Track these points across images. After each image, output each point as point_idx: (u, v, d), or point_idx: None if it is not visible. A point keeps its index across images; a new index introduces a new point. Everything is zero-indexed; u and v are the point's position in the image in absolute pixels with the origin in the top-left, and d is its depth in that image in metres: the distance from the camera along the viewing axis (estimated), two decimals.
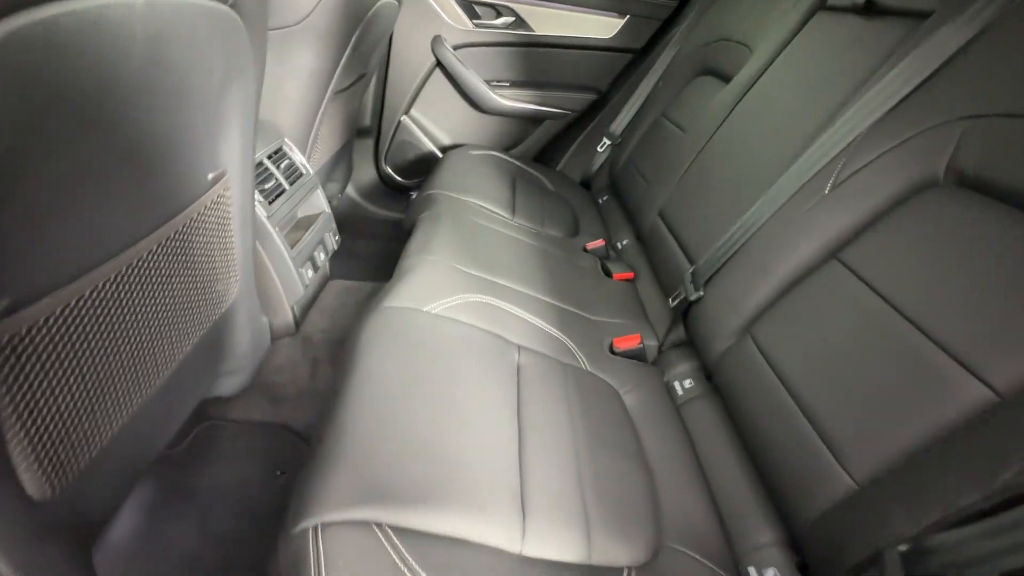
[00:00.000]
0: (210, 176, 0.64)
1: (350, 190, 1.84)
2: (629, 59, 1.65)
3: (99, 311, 0.49)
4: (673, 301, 0.93)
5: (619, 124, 1.61)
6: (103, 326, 0.50)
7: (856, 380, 0.61)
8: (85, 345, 0.48)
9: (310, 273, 1.02)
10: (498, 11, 1.57)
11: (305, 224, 1.08)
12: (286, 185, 1.00)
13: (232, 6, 0.53)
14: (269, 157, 0.99)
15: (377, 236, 1.85)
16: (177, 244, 0.61)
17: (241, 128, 0.66)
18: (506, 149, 1.79)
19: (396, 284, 0.86)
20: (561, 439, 0.69)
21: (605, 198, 1.62)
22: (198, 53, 0.52)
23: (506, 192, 1.39)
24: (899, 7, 0.77)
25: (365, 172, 1.84)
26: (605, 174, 1.67)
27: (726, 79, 1.21)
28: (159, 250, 0.57)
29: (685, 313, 0.92)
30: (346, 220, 1.81)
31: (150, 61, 0.44)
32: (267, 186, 0.94)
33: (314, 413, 1.05)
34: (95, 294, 0.48)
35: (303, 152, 1.16)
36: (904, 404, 0.55)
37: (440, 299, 0.86)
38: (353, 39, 1.12)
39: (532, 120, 1.75)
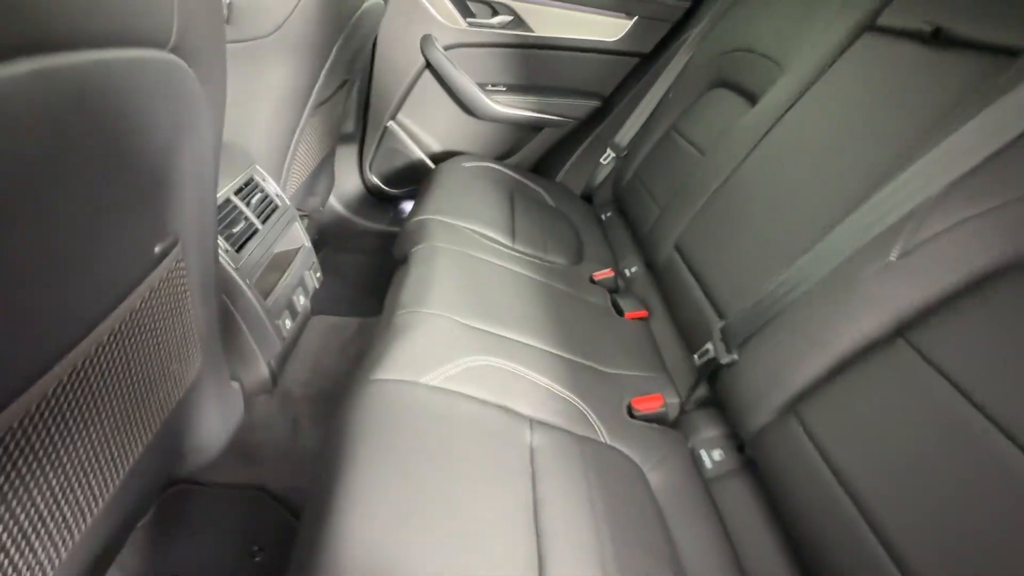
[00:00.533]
0: (157, 249, 0.51)
1: (332, 200, 1.70)
2: (635, 64, 1.53)
3: (33, 434, 0.38)
4: (699, 358, 0.84)
5: (625, 135, 1.49)
6: (45, 446, 0.39)
7: (924, 480, 0.52)
8: (22, 474, 0.38)
9: (288, 323, 0.90)
10: (494, 9, 1.43)
11: (282, 263, 0.95)
12: (258, 224, 0.87)
13: (173, 50, 0.40)
14: (238, 192, 0.85)
15: (362, 249, 1.72)
16: (123, 337, 0.49)
17: (197, 186, 0.53)
18: (501, 158, 1.66)
19: (388, 349, 0.75)
20: (586, 548, 0.59)
21: (609, 214, 1.51)
22: (134, 111, 0.39)
23: (505, 212, 1.27)
24: (979, 40, 0.66)
25: (349, 181, 1.70)
26: (609, 188, 1.55)
27: (748, 96, 1.10)
28: (100, 352, 0.45)
29: (712, 372, 0.83)
30: (328, 232, 1.68)
31: (67, 130, 0.32)
32: (235, 229, 0.81)
33: (294, 475, 0.94)
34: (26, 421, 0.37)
35: (278, 177, 1.03)
36: (979, 514, 0.47)
37: (440, 366, 0.74)
38: (336, 47, 0.98)
39: (530, 128, 1.62)
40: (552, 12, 1.43)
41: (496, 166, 1.49)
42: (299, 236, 1.00)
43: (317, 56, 0.92)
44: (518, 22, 1.44)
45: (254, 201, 0.87)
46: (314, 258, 1.03)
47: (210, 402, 0.73)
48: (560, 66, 1.52)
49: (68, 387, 0.42)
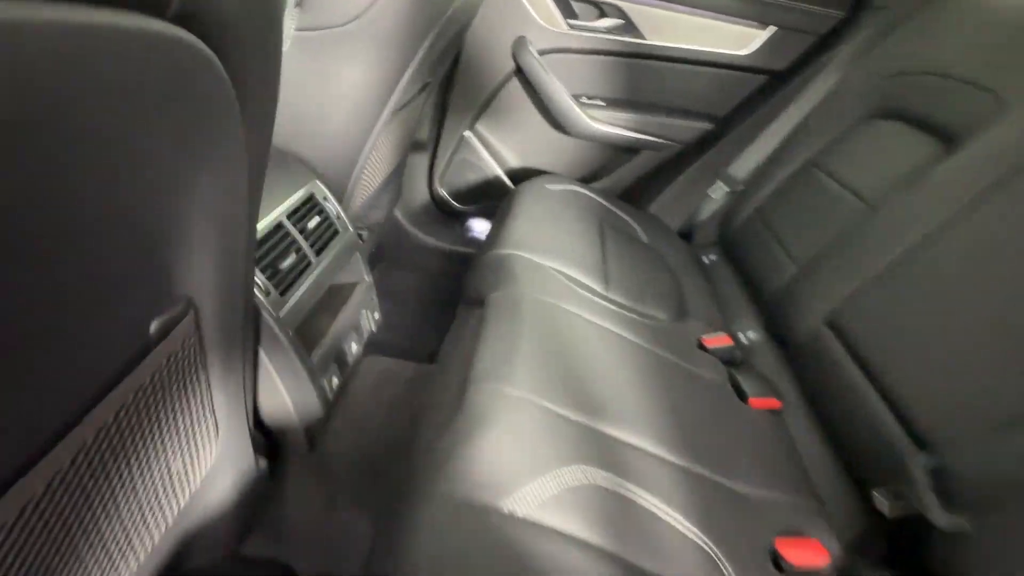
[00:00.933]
0: (154, 326, 0.34)
1: (395, 211, 1.54)
2: (762, 83, 1.29)
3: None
4: (887, 504, 0.59)
5: (742, 166, 1.25)
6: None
7: None
8: None
9: (335, 381, 0.73)
10: (602, 10, 1.23)
11: (335, 301, 0.78)
12: (312, 257, 0.69)
13: (177, 20, 0.22)
14: (292, 214, 0.69)
15: (423, 267, 1.55)
16: (100, 449, 0.32)
17: (220, 229, 0.36)
18: (587, 181, 1.45)
19: (461, 448, 0.55)
20: None
21: (713, 258, 1.27)
22: (106, 113, 0.21)
23: (595, 249, 1.07)
24: None
25: (415, 192, 1.54)
26: (715, 226, 1.31)
27: (942, 134, 0.84)
28: (73, 468, 0.28)
29: (909, 528, 0.58)
30: (386, 245, 1.52)
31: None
32: (283, 264, 0.64)
33: (327, 558, 0.76)
34: None
35: (341, 194, 0.86)
36: None
37: (529, 482, 0.54)
38: (425, 44, 0.80)
39: (625, 149, 1.40)
40: (669, 18, 1.22)
41: (583, 190, 1.28)
42: (359, 269, 0.83)
43: (402, 53, 0.75)
44: (628, 27, 1.23)
45: (310, 226, 0.71)
46: (374, 295, 0.86)
47: (228, 492, 0.56)
48: (670, 81, 1.29)
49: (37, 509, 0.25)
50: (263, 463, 0.62)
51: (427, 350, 1.25)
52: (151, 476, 0.40)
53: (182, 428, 0.42)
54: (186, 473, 0.46)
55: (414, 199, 1.55)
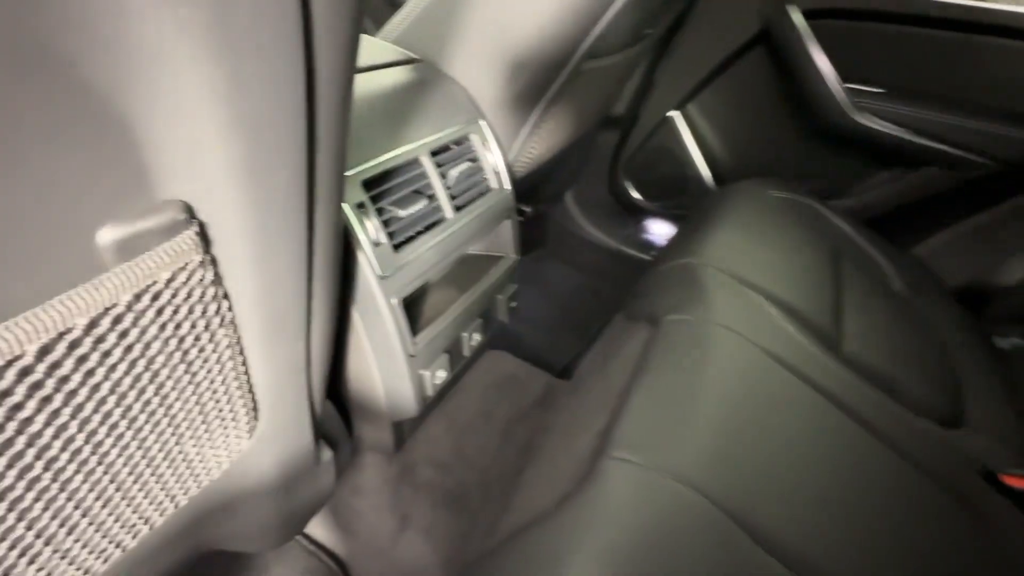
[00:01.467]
0: (105, 234, 0.19)
1: (566, 194, 1.36)
2: None
3: None
4: None
5: None
6: None
7: None
8: None
9: (441, 375, 0.56)
10: None
11: (466, 274, 0.61)
12: (448, 211, 0.53)
13: None
14: (437, 152, 0.53)
15: (579, 264, 1.35)
16: (59, 381, 0.18)
17: (256, 108, 0.19)
18: (827, 197, 1.09)
19: (578, 535, 0.34)
20: None
21: (1017, 342, 0.83)
22: None
23: (827, 288, 0.74)
24: None
25: (592, 175, 1.33)
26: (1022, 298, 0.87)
27: None
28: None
29: None
30: (547, 229, 1.35)
31: None
32: (408, 210, 0.48)
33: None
34: None
35: (508, 147, 0.69)
36: None
37: None
38: None
39: (895, 160, 1.01)
40: None
41: (820, 207, 0.94)
42: (507, 240, 0.66)
43: None
44: None
45: (455, 173, 0.54)
46: (513, 281, 0.68)
47: (270, 483, 0.42)
48: (1005, 67, 0.87)
49: None
50: (327, 455, 0.48)
51: (564, 360, 1.04)
52: (136, 446, 0.27)
53: (187, 397, 0.28)
54: (198, 453, 0.33)
55: (589, 183, 1.35)
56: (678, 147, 1.20)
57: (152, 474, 0.30)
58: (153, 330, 0.24)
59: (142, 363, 0.25)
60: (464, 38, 0.58)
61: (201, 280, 0.24)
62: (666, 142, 1.21)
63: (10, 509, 0.22)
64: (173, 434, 0.30)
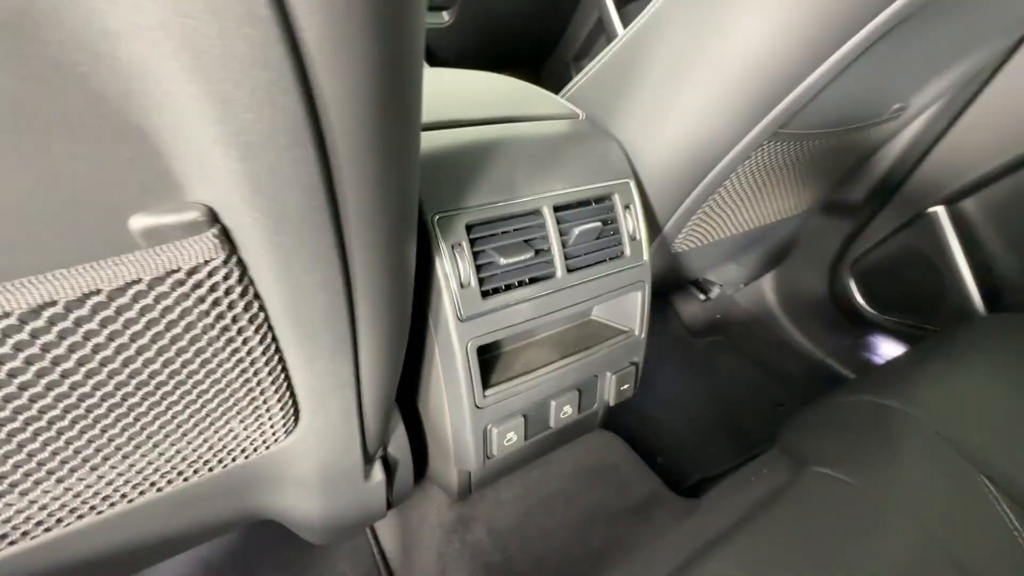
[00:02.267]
0: (137, 222, 0.22)
1: (764, 280, 1.17)
2: None
3: None
4: None
5: None
6: None
7: None
8: None
9: (512, 438, 0.51)
10: None
11: (579, 341, 0.56)
12: (559, 269, 0.49)
13: None
14: (565, 207, 0.50)
15: (757, 360, 1.14)
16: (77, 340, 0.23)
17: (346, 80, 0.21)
18: None
19: None
20: None
21: None
22: None
23: None
24: None
25: (805, 267, 1.12)
26: None
27: None
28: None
29: None
30: (723, 311, 1.18)
31: None
32: (508, 260, 0.46)
33: None
34: None
35: (664, 215, 0.62)
36: None
37: None
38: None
39: None
40: None
41: None
42: (633, 314, 0.58)
43: (859, 8, 0.43)
44: None
45: (578, 231, 0.50)
46: (636, 360, 0.59)
47: (311, 489, 0.45)
48: None
49: None
50: (378, 477, 0.49)
51: (692, 471, 0.87)
52: (159, 403, 0.31)
53: (215, 379, 0.31)
54: (230, 431, 0.36)
55: (798, 273, 1.13)
56: (936, 252, 0.92)
57: (178, 433, 0.34)
58: (176, 313, 0.27)
59: (168, 338, 0.28)
60: (630, 95, 0.55)
61: (226, 278, 0.27)
62: (919, 243, 0.94)
63: (50, 423, 0.28)
64: (202, 407, 0.33)
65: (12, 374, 0.25)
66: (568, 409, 0.55)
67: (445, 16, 1.37)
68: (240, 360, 0.32)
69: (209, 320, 0.28)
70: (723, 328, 1.19)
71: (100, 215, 0.23)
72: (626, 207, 0.55)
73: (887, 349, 1.04)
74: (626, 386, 0.59)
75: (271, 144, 0.22)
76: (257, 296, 0.29)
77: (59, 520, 0.34)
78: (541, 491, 0.62)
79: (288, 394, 0.36)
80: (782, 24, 0.43)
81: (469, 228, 0.45)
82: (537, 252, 0.48)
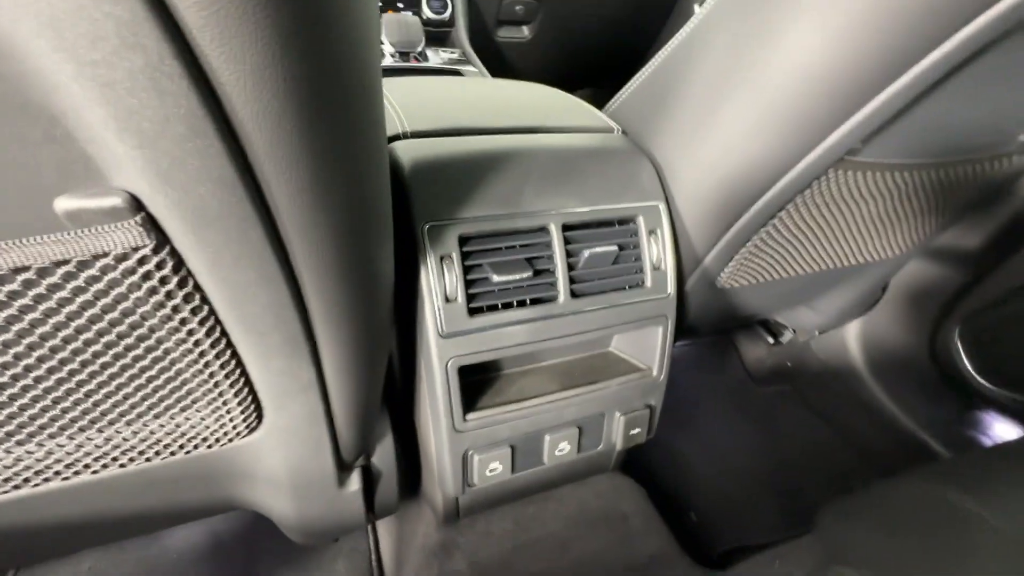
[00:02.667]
0: (62, 204, 0.22)
1: (848, 330, 1.02)
2: None
3: None
4: None
5: None
6: None
7: None
8: None
9: (497, 468, 0.48)
10: None
11: (587, 374, 0.51)
12: (561, 293, 0.45)
13: None
14: (576, 227, 0.46)
15: (830, 418, 0.99)
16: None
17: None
18: None
19: None
20: None
21: None
22: None
23: None
24: None
25: (899, 323, 0.96)
26: None
27: None
28: None
29: None
30: (792, 358, 1.04)
31: None
32: (502, 277, 0.43)
33: None
34: None
35: (702, 244, 0.55)
36: None
37: None
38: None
39: None
40: None
41: None
42: (651, 352, 0.52)
43: (939, 20, 0.35)
44: None
45: (588, 254, 0.46)
46: (654, 404, 0.53)
47: (280, 491, 0.44)
48: None
49: None
50: (353, 486, 0.47)
51: (713, 539, 0.76)
52: (100, 386, 0.32)
53: (160, 366, 0.32)
54: (187, 419, 0.36)
55: (890, 329, 0.98)
56: None
57: (133, 414, 0.34)
58: (110, 298, 0.27)
59: (106, 321, 0.28)
60: (670, 110, 0.49)
61: (159, 267, 0.27)
62: None
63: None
64: (154, 392, 0.33)
65: None
66: (565, 446, 0.50)
67: (525, 31, 1.37)
68: (188, 351, 0.32)
69: (147, 308, 0.28)
70: (792, 377, 1.06)
71: (25, 195, 0.23)
72: (651, 232, 0.49)
73: (1000, 430, 0.86)
74: (637, 430, 0.53)
75: (168, 132, 0.21)
76: (198, 288, 0.29)
77: (26, 480, 0.35)
78: (535, 530, 0.57)
79: (247, 390, 0.36)
80: (842, 29, 0.36)
81: (463, 240, 0.42)
82: (539, 272, 0.45)
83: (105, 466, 0.37)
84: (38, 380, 0.30)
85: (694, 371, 1.10)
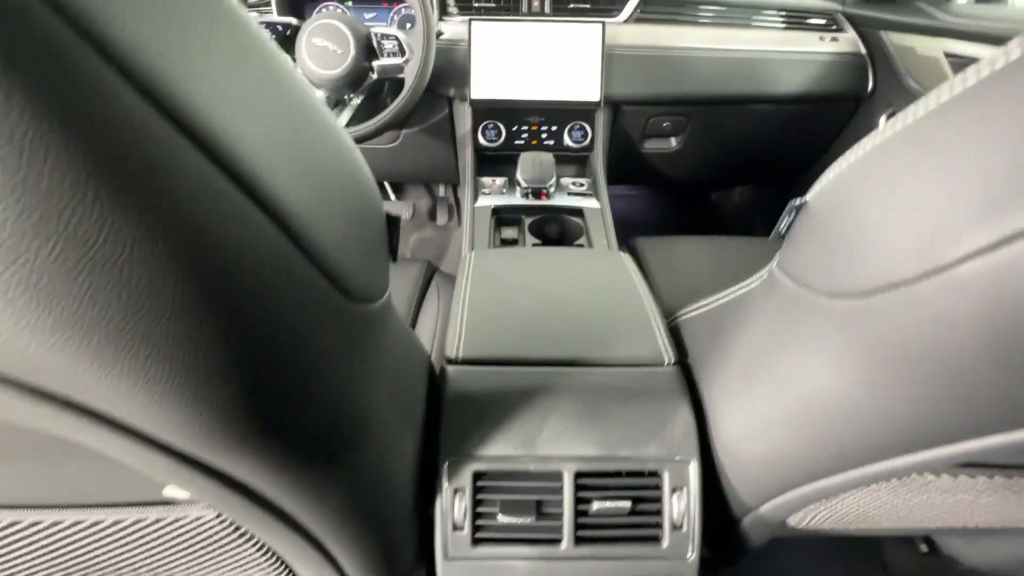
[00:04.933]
0: None
1: None
2: None
3: None
4: None
5: None
6: None
7: None
8: None
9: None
10: None
11: None
12: (566, 541, 0.47)
13: None
14: (593, 475, 0.48)
15: None
16: None
17: None
18: None
19: None
20: None
21: None
22: None
23: None
24: None
25: None
26: None
27: None
28: None
29: None
30: None
31: None
32: (506, 519, 0.47)
33: None
34: None
35: (745, 503, 0.51)
36: None
37: None
38: None
39: None
40: None
41: None
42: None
43: None
44: None
45: (598, 507, 0.47)
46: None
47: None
48: None
49: None
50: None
51: None
52: None
53: None
54: None
55: None
56: None
57: None
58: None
59: None
60: (727, 345, 0.48)
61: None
62: None
63: None
64: None
65: None
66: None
67: (673, 143, 1.38)
68: None
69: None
70: None
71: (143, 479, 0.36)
72: (676, 490, 0.48)
73: None
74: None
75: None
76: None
77: None
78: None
79: None
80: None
81: (477, 476, 0.48)
82: (546, 515, 0.48)
83: None
84: None
85: None
